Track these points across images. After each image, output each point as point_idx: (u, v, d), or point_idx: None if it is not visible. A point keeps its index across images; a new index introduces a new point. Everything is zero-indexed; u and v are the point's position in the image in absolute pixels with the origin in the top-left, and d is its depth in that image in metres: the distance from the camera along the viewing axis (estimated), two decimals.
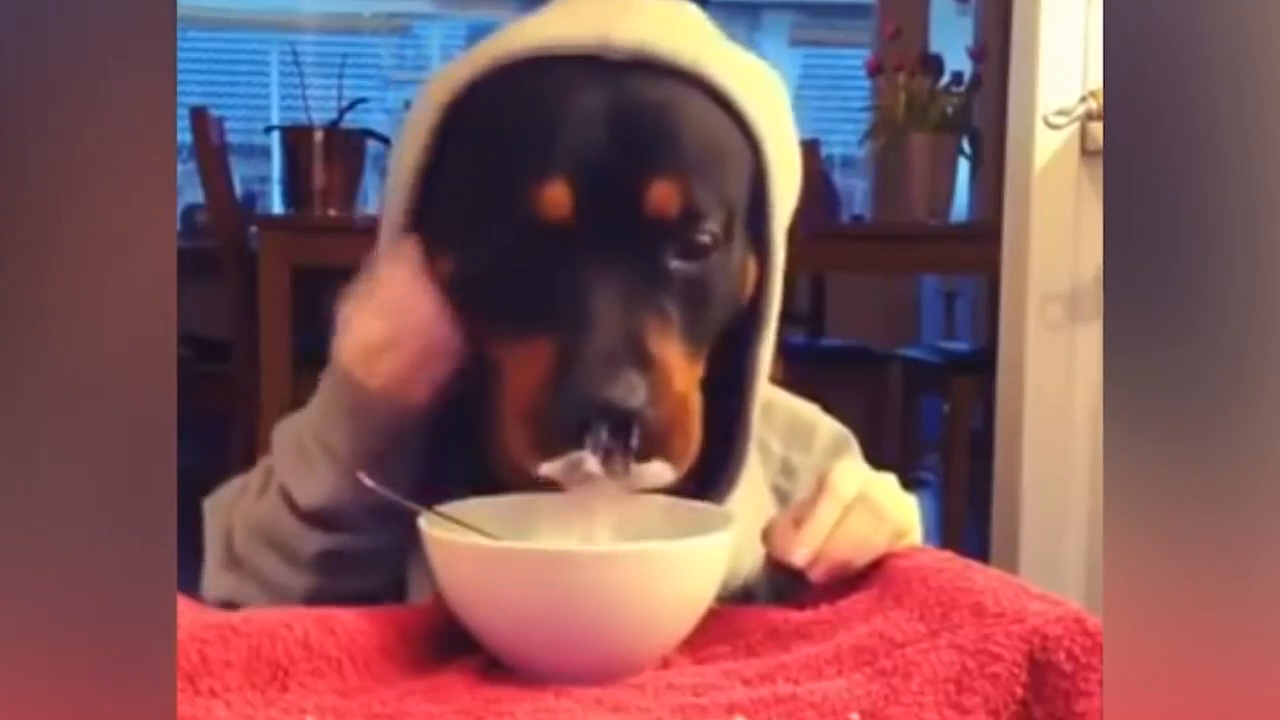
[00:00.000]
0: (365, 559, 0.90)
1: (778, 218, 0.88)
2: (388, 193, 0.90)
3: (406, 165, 0.87)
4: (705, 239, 0.83)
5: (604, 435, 0.76)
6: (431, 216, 0.87)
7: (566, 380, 0.78)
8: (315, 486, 0.88)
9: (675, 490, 0.85)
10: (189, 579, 0.87)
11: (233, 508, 0.96)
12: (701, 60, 0.85)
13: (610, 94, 0.82)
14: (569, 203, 0.80)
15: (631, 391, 0.77)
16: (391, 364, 0.85)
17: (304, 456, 0.90)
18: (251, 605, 0.89)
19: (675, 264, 0.82)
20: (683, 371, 0.82)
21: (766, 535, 0.87)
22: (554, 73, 0.83)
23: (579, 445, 0.77)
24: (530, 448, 0.79)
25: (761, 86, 0.89)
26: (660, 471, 0.79)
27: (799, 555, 0.84)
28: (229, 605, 0.90)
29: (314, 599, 0.89)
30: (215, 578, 0.94)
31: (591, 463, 0.77)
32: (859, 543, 0.85)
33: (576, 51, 0.83)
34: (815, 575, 0.84)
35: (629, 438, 0.77)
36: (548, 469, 0.78)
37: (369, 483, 0.81)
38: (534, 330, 0.80)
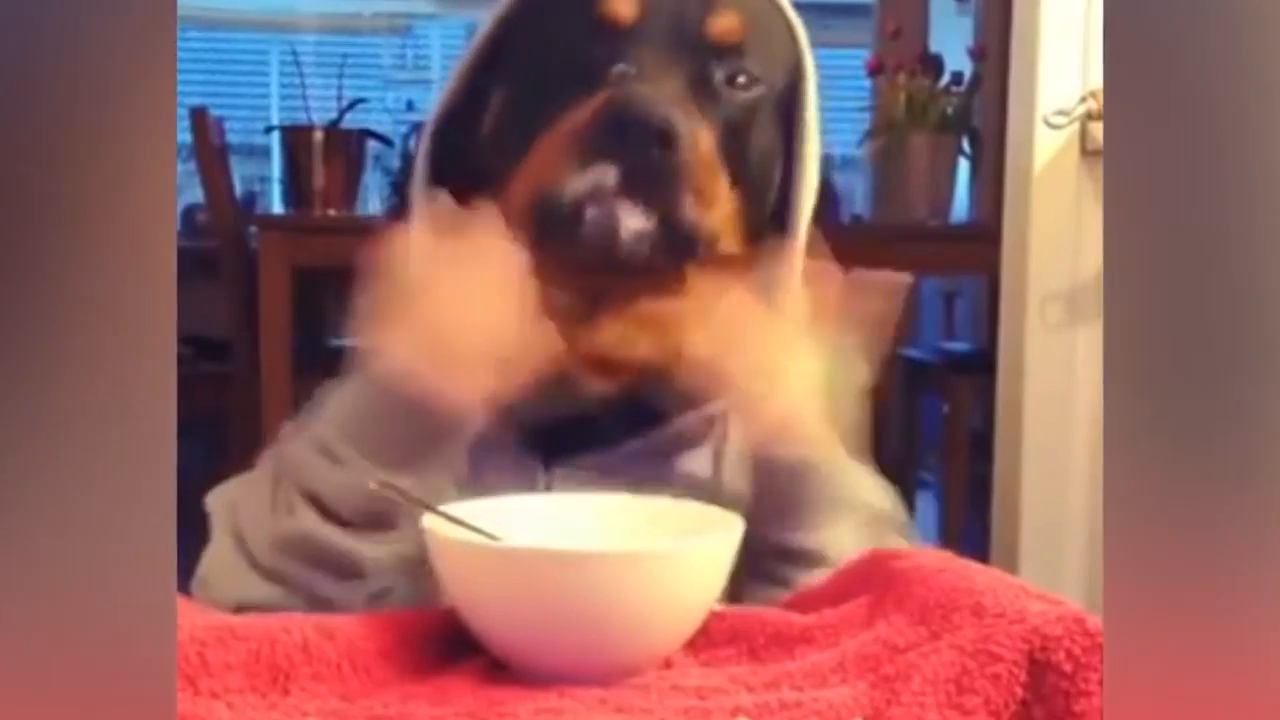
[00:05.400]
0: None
1: (808, 126, 0.93)
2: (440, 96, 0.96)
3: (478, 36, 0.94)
4: (750, 78, 0.91)
5: (637, 152, 0.81)
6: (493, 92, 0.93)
7: (612, 99, 0.83)
8: (354, 481, 0.83)
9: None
10: (189, 579, 0.87)
11: (248, 516, 0.89)
12: None
13: None
14: (634, 8, 0.88)
15: (670, 110, 0.82)
16: (482, 378, 0.81)
17: (332, 459, 0.85)
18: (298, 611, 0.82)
19: (722, 86, 0.88)
20: (712, 158, 0.86)
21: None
22: None
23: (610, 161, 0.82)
24: (568, 164, 0.83)
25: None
26: (688, 215, 0.84)
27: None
28: (265, 609, 0.82)
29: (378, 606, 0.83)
30: (244, 583, 0.86)
31: (611, 175, 0.81)
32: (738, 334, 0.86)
33: None
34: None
35: (658, 160, 0.81)
36: (574, 187, 0.82)
37: (373, 485, 0.80)
38: (586, 95, 0.85)
